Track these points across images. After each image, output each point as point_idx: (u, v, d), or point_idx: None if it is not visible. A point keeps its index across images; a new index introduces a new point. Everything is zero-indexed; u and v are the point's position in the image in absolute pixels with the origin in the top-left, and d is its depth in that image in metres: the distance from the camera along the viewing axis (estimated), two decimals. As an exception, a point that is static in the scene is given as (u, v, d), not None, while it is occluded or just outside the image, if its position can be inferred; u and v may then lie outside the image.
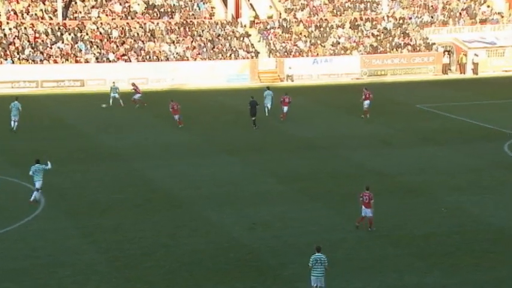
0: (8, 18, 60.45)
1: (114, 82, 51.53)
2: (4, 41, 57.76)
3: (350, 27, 66.25)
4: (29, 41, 58.21)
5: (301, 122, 45.13)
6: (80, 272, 22.41)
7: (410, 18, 68.46)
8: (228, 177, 32.92)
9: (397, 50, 64.84)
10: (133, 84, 50.04)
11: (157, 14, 64.17)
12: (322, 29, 65.72)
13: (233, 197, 29.91)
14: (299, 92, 56.32)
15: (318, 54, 63.09)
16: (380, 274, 22.42)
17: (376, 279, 22.04)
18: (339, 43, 64.49)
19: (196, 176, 33.00)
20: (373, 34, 65.95)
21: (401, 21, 67.92)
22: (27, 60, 56.92)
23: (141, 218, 27.27)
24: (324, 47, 63.98)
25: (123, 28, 61.49)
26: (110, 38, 60.40)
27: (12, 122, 41.42)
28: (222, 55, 61.10)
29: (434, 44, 65.52)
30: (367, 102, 45.14)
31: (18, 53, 57.09)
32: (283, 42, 63.74)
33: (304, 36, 64.65)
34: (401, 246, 24.66)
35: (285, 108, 44.37)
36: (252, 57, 61.64)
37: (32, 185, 28.98)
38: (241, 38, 63.05)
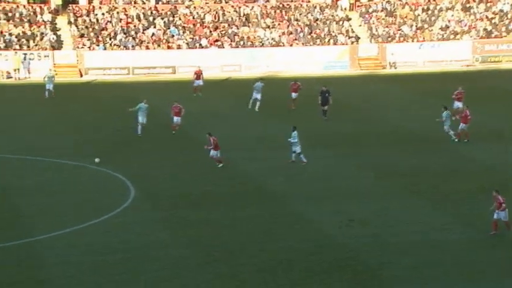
0: (100, 2, 62.33)
1: (50, 69, 50.65)
2: (96, 27, 59.63)
3: (461, 10, 64.69)
4: (121, 26, 59.86)
5: (405, 113, 44.52)
6: (168, 266, 22.95)
7: (530, -1, 66.19)
8: (324, 171, 32.92)
9: (513, 34, 62.92)
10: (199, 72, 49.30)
11: (252, -3, 64.66)
12: (429, 11, 64.47)
13: (329, 192, 29.90)
14: (403, 81, 55.54)
15: (424, 39, 61.98)
16: (492, 281, 21.89)
17: (488, 286, 21.55)
18: (448, 27, 63.12)
19: (292, 169, 33.14)
20: (487, 17, 64.16)
21: (519, 3, 65.78)
22: (119, 46, 58.56)
23: (234, 212, 27.67)
24: (432, 31, 62.76)
25: (216, 12, 62.30)
26: (203, 22, 61.35)
27: (139, 125, 38.63)
28: (320, 41, 60.95)
29: (558, 27, 63.20)
30: (458, 104, 41.87)
31: (110, 39, 58.80)
32: (386, 26, 62.94)
33: (410, 19, 63.61)
34: (515, 250, 24.04)
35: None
36: (352, 42, 61.21)
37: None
38: (341, 22, 62.68)
